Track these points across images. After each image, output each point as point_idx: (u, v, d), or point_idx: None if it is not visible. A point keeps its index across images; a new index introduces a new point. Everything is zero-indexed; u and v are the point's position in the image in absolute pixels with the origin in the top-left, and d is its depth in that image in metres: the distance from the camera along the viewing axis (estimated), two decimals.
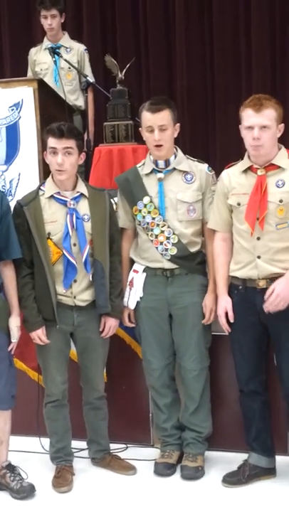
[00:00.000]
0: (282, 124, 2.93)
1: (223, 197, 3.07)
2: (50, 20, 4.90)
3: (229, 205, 3.04)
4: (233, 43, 5.11)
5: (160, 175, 3.18)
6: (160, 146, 3.11)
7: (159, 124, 3.08)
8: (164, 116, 3.10)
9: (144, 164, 3.26)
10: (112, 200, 3.30)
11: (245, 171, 3.00)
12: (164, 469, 3.28)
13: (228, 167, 3.12)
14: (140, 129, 3.22)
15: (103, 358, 3.29)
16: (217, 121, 5.16)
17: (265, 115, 2.85)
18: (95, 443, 3.38)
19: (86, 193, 3.16)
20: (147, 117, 3.11)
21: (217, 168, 3.42)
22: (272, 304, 2.89)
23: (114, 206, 3.35)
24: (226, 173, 3.10)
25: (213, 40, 5.14)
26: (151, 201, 3.18)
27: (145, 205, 3.18)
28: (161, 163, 3.18)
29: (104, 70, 4.87)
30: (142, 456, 3.46)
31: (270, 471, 3.21)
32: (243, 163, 3.02)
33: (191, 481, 3.20)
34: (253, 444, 3.19)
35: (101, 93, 4.63)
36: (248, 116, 2.88)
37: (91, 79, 4.71)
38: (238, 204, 3.00)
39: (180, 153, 3.23)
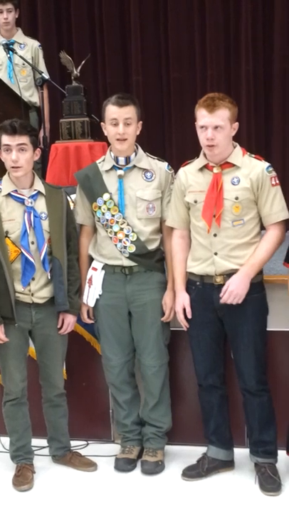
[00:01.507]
0: (237, 123, 2.97)
1: (181, 194, 3.10)
2: (5, 14, 4.85)
3: (186, 203, 3.07)
4: (187, 39, 5.13)
5: (120, 172, 3.18)
6: (124, 140, 3.10)
7: (124, 117, 3.08)
8: (130, 111, 3.11)
9: (104, 161, 3.25)
10: (68, 197, 3.29)
11: (201, 169, 3.04)
12: (124, 465, 3.31)
13: (185, 165, 3.14)
14: (102, 123, 3.21)
15: (62, 355, 3.28)
16: (173, 117, 5.19)
17: (219, 115, 2.88)
18: (55, 440, 3.38)
19: (43, 190, 3.15)
20: (112, 110, 3.10)
21: (174, 164, 3.45)
22: (227, 301, 2.94)
23: (72, 204, 3.35)
24: (182, 171, 3.12)
25: (168, 36, 5.16)
26: (111, 198, 3.18)
27: (105, 202, 3.18)
28: (121, 160, 3.18)
29: (59, 67, 4.85)
30: (103, 452, 3.47)
31: (228, 464, 3.26)
32: (199, 162, 3.05)
33: (152, 476, 3.23)
34: (211, 438, 3.24)
35: (57, 89, 4.61)
36: (202, 116, 2.91)
37: (46, 75, 4.69)
38: (195, 201, 3.03)
39: (140, 150, 3.24)
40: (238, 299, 2.92)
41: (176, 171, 3.19)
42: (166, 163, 3.27)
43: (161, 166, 3.24)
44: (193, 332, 3.13)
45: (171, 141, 5.21)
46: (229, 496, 3.04)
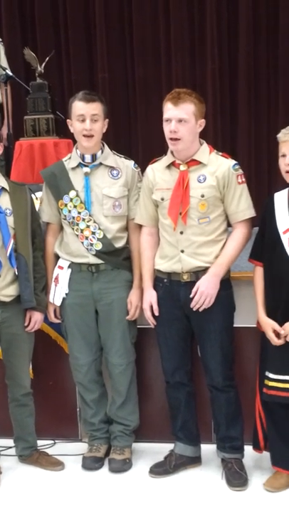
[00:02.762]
0: (203, 120, 2.98)
1: (148, 192, 3.10)
2: None
3: (154, 200, 3.08)
4: (152, 36, 5.13)
5: (86, 169, 3.17)
6: (90, 136, 3.09)
7: (91, 113, 3.07)
8: (97, 107, 3.10)
9: (70, 158, 3.24)
10: (32, 195, 3.26)
11: (168, 167, 3.04)
12: (92, 463, 3.30)
13: (153, 162, 3.15)
14: (68, 121, 3.19)
15: (29, 354, 3.25)
16: (139, 115, 5.19)
17: (183, 108, 2.89)
18: (22, 440, 3.35)
19: (7, 187, 3.12)
20: (79, 106, 3.09)
21: (140, 161, 3.45)
22: (198, 302, 2.95)
23: (36, 201, 3.32)
24: (150, 169, 3.13)
25: (133, 33, 5.15)
26: (77, 195, 3.16)
27: (71, 200, 3.16)
28: (87, 158, 3.17)
29: (23, 63, 4.80)
30: (70, 451, 3.46)
31: (195, 460, 3.28)
32: (167, 159, 3.06)
33: (119, 474, 3.23)
34: (178, 434, 3.25)
35: (21, 86, 4.56)
36: (167, 109, 2.93)
37: (9, 72, 4.63)
38: (162, 199, 3.04)
39: (107, 148, 3.23)
40: (209, 299, 2.94)
41: (143, 169, 3.19)
42: (132, 162, 3.26)
43: (128, 164, 3.23)
44: (161, 329, 3.14)
45: (137, 138, 5.21)
46: (196, 492, 3.05)
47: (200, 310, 2.96)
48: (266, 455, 3.12)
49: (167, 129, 2.93)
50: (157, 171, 3.08)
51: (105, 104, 3.17)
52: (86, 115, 3.07)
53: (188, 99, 2.90)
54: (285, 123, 3.01)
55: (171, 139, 2.93)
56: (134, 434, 3.38)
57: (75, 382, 3.39)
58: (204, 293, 2.93)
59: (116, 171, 3.19)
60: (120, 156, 3.27)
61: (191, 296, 2.95)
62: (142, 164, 3.29)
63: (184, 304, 3.02)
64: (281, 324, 2.84)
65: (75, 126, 3.13)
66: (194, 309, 2.96)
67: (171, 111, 2.91)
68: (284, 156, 2.81)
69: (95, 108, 3.09)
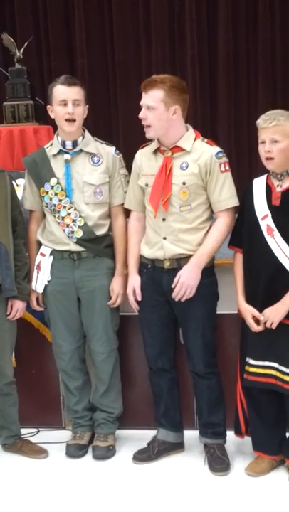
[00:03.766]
0: (176, 106, 2.91)
1: (137, 177, 3.10)
2: None
3: (140, 186, 3.08)
4: (132, 22, 5.09)
5: (67, 156, 3.15)
6: (73, 120, 3.07)
7: (73, 97, 3.06)
8: (79, 92, 3.09)
9: (51, 145, 3.22)
10: (13, 182, 3.23)
11: (155, 152, 3.03)
12: (75, 451, 3.31)
13: (142, 147, 3.14)
14: (48, 107, 3.16)
15: (11, 343, 3.24)
16: (119, 100, 5.16)
17: (151, 96, 2.89)
18: (5, 429, 3.34)
19: None
20: (62, 91, 3.07)
21: (121, 147, 3.43)
22: (179, 293, 2.95)
23: (16, 188, 3.29)
24: (139, 154, 3.12)
25: (113, 19, 5.10)
26: (58, 183, 3.15)
27: (52, 187, 3.15)
28: (68, 144, 3.15)
29: (2, 49, 4.73)
30: (54, 439, 3.46)
31: (178, 446, 3.30)
32: (154, 145, 3.05)
33: (103, 461, 3.25)
34: (161, 420, 3.27)
35: None
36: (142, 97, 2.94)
37: None
38: (146, 185, 3.03)
39: (88, 134, 3.21)
40: (190, 290, 2.94)
41: (124, 155, 3.18)
42: (113, 148, 3.24)
43: (109, 151, 3.21)
44: (143, 315, 3.15)
45: (117, 123, 5.18)
46: (179, 478, 3.08)
47: (181, 300, 2.97)
48: (248, 440, 3.15)
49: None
50: (144, 156, 3.08)
51: (85, 90, 3.16)
52: (68, 99, 3.05)
53: (157, 86, 2.88)
54: (264, 109, 3.00)
55: (144, 125, 2.93)
56: (118, 421, 3.39)
57: (58, 370, 3.39)
58: (185, 283, 2.94)
59: (97, 157, 3.18)
60: (102, 142, 3.25)
61: (173, 286, 2.96)
62: (123, 150, 3.28)
63: (166, 290, 3.02)
64: (261, 310, 2.86)
65: (56, 110, 3.10)
66: (176, 300, 2.97)
67: (142, 98, 2.93)
68: (263, 142, 2.81)
69: (77, 92, 3.08)
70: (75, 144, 3.15)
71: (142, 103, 2.92)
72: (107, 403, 3.32)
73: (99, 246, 3.19)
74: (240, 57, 4.90)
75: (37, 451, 3.33)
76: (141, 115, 2.91)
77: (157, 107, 2.89)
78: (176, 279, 2.95)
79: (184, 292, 2.94)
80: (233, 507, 2.81)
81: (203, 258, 2.96)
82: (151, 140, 3.07)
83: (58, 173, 3.16)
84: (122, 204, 3.21)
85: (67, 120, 3.07)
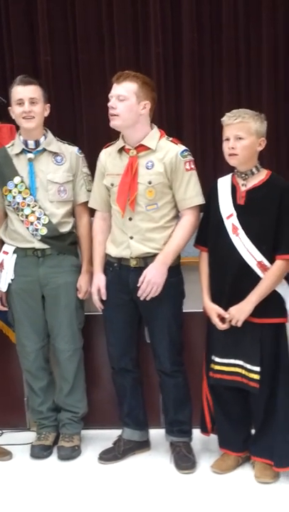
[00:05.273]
0: (148, 102, 2.93)
1: (102, 176, 3.08)
2: None
3: (105, 186, 3.06)
4: (95, 19, 5.06)
5: (30, 155, 3.14)
6: (31, 118, 3.07)
7: (29, 96, 3.06)
8: (36, 90, 3.10)
9: (13, 145, 3.21)
10: None
11: (120, 151, 3.02)
12: (40, 452, 3.28)
13: (107, 146, 3.12)
14: (9, 108, 3.16)
15: None
16: (83, 98, 5.12)
17: (124, 86, 2.89)
18: None
19: None
20: (18, 91, 3.09)
21: (85, 145, 3.41)
22: (145, 291, 2.94)
23: None
24: (103, 153, 3.10)
25: (76, 16, 5.07)
26: (22, 181, 3.13)
27: (16, 185, 3.13)
28: (31, 144, 3.15)
29: None
30: (18, 440, 3.42)
31: (144, 445, 3.30)
32: (118, 144, 3.04)
33: (68, 461, 3.22)
34: (126, 420, 3.26)
35: None
36: (112, 89, 2.93)
37: None
38: (112, 185, 3.02)
39: (50, 134, 3.22)
40: (156, 288, 2.94)
41: (89, 153, 3.17)
42: (76, 148, 3.25)
43: (72, 150, 3.23)
44: (108, 314, 3.13)
45: (82, 122, 5.14)
46: (145, 477, 3.07)
47: (147, 299, 2.96)
48: (214, 438, 3.16)
49: (108, 106, 2.93)
50: (109, 155, 3.06)
51: (45, 89, 3.17)
52: (24, 98, 3.06)
53: (130, 79, 2.90)
54: (229, 108, 3.01)
55: (110, 115, 2.92)
56: (83, 421, 3.37)
57: (22, 370, 3.35)
58: (151, 281, 2.93)
59: (60, 156, 3.18)
60: (64, 142, 3.25)
61: (139, 284, 2.95)
62: (88, 149, 3.27)
63: (132, 289, 3.01)
64: (226, 309, 2.87)
65: (14, 110, 3.11)
66: (141, 298, 2.96)
67: (113, 88, 2.92)
68: (228, 139, 2.83)
69: (33, 91, 3.09)
70: (37, 143, 3.15)
71: (112, 93, 2.91)
72: (71, 403, 3.30)
73: (63, 243, 3.18)
74: (205, 56, 4.91)
75: (1, 453, 3.28)
76: (111, 104, 2.89)
77: (129, 98, 2.89)
78: (141, 278, 2.94)
79: (150, 290, 2.94)
80: (200, 504, 2.82)
81: (169, 256, 2.96)
82: (115, 139, 3.06)
83: (22, 171, 3.15)
84: (86, 202, 3.21)
85: (24, 118, 3.08)
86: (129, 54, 5.00)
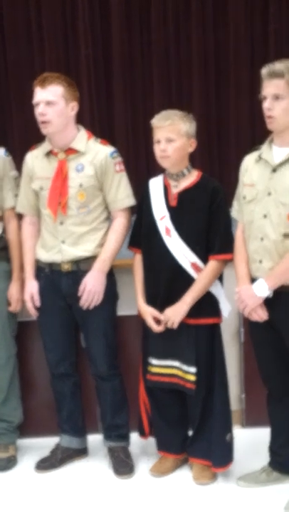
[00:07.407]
0: (75, 103, 2.91)
1: (29, 180, 3.02)
2: None
3: (33, 190, 3.00)
4: (23, 19, 4.98)
5: None
6: None
7: None
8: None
9: None
10: None
11: (47, 155, 2.97)
12: None
13: (32, 149, 3.06)
14: None
15: None
16: (12, 100, 5.03)
17: (50, 91, 2.84)
18: None
19: None
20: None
21: (15, 147, 3.34)
22: (87, 300, 2.91)
23: None
24: (29, 156, 3.04)
25: (3, 16, 4.97)
26: None
27: None
28: None
29: None
30: None
31: (82, 451, 3.27)
32: (45, 147, 2.99)
33: (4, 472, 3.15)
34: (64, 426, 3.23)
35: None
36: (35, 94, 2.87)
37: None
38: (41, 188, 2.97)
39: None
40: (97, 296, 2.92)
41: (20, 155, 3.09)
42: (3, 150, 3.15)
43: None
44: (43, 320, 3.09)
45: (12, 124, 5.04)
46: (84, 483, 3.04)
47: (90, 308, 2.93)
48: (152, 441, 3.16)
49: (37, 113, 2.87)
50: (36, 158, 3.00)
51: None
52: None
53: (55, 82, 2.85)
54: (160, 110, 3.01)
55: (42, 122, 2.85)
56: (18, 430, 3.30)
57: None
58: (92, 291, 2.91)
59: None
60: None
61: (79, 294, 2.92)
62: (18, 151, 3.19)
63: (66, 294, 2.97)
64: (161, 311, 2.87)
65: None
66: (84, 308, 2.93)
67: (39, 94, 2.85)
68: (159, 142, 2.82)
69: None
70: None
71: (39, 99, 2.84)
72: (6, 412, 3.23)
73: None
74: (135, 58, 4.90)
75: None
76: (41, 111, 2.83)
77: (58, 102, 2.84)
78: (81, 288, 2.91)
79: (92, 299, 2.91)
80: (139, 508, 2.81)
81: (106, 263, 2.94)
82: (41, 141, 3.00)
83: None
84: (14, 207, 3.12)
85: None
86: (59, 55, 4.92)
